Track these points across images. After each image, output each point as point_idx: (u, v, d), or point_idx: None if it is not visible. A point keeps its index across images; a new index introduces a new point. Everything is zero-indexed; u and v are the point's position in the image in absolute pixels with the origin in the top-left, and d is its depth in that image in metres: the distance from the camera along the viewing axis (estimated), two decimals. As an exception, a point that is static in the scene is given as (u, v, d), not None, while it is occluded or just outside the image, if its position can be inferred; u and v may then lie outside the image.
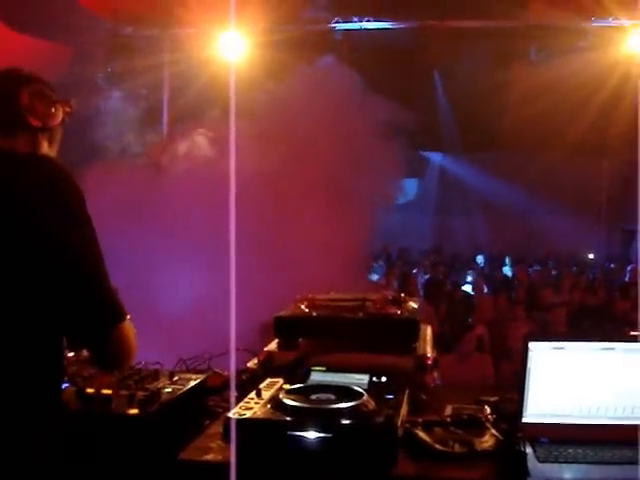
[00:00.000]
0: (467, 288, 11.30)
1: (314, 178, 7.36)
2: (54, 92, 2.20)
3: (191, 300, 6.05)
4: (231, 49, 8.85)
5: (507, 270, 14.83)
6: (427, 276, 12.07)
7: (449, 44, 9.72)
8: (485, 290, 11.05)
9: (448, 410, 2.58)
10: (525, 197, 17.11)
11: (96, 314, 2.00)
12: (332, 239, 7.09)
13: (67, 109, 2.23)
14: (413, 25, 9.24)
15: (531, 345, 2.51)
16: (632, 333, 2.75)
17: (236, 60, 8.83)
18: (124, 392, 2.41)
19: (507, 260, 15.72)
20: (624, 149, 11.11)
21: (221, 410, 2.59)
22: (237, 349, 2.74)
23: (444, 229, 18.51)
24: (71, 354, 2.66)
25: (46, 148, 2.17)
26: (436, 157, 19.22)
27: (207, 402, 2.70)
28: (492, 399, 2.83)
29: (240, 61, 8.86)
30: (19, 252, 1.91)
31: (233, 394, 2.40)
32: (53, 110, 2.15)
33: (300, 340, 2.76)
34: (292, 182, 7.22)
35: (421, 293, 9.42)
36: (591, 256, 17.07)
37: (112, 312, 2.02)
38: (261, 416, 2.17)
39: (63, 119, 2.22)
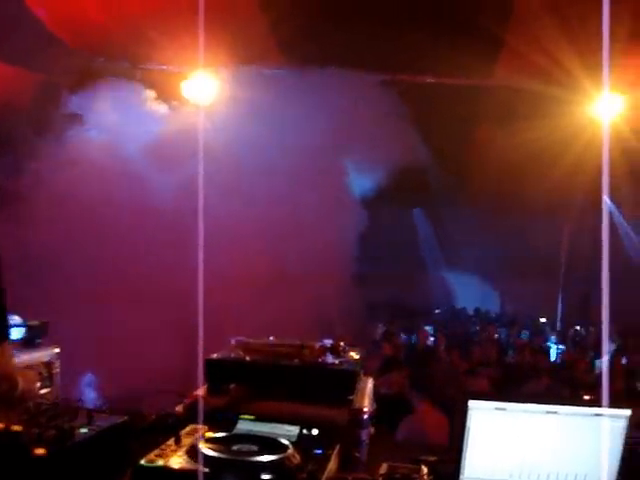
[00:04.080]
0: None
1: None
2: None
3: (127, 336, 5.87)
4: (200, 89, 8.81)
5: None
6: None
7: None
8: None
9: (383, 468, 2.44)
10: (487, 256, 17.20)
11: None
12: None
13: None
14: (384, 78, 9.25)
15: (471, 404, 2.39)
16: (586, 397, 2.66)
17: (205, 100, 8.79)
18: (35, 429, 2.24)
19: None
20: (586, 213, 11.22)
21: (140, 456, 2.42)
22: (166, 391, 2.59)
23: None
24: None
25: None
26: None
27: (128, 446, 2.53)
28: (431, 459, 2.70)
29: (209, 101, 8.82)
30: None
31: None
32: None
33: (231, 386, 2.60)
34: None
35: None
36: (543, 320, 17.12)
37: None
38: (173, 465, 2.01)
39: None
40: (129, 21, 7.39)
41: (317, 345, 2.68)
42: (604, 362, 8.51)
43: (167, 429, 2.57)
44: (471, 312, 17.38)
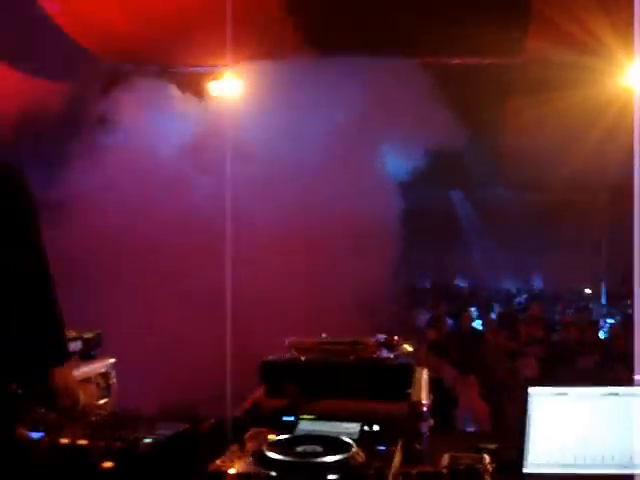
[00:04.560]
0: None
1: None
2: None
3: (176, 342, 5.91)
4: (230, 86, 8.86)
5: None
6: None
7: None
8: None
9: (445, 460, 2.43)
10: (527, 234, 17.02)
11: (40, 351, 1.85)
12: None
13: None
14: (418, 61, 9.17)
15: (532, 390, 2.38)
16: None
17: (235, 97, 8.84)
18: (101, 442, 2.28)
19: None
20: (623, 183, 11.04)
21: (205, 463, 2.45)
22: (225, 395, 2.61)
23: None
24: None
25: None
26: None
27: (192, 453, 2.56)
28: (491, 447, 2.69)
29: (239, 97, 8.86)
30: None
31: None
32: None
33: (289, 386, 2.62)
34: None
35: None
36: (588, 291, 16.90)
37: (57, 351, 1.88)
38: (242, 470, 2.03)
39: None
40: (154, 26, 7.42)
41: (371, 340, 2.68)
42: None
43: (228, 434, 2.60)
44: (515, 290, 17.24)
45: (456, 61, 9.14)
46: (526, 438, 2.39)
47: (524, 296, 16.41)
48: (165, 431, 2.44)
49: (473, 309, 12.95)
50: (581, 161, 10.77)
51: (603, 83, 8.91)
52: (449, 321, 11.27)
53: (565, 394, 2.37)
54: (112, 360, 3.23)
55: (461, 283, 18.08)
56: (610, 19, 7.12)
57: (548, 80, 9.25)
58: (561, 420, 2.39)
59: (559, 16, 7.48)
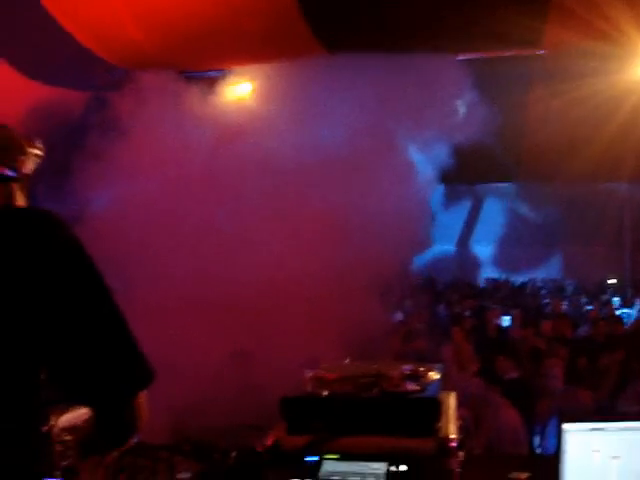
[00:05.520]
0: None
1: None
2: (21, 136, 2.03)
3: (197, 367, 5.80)
4: (247, 89, 8.83)
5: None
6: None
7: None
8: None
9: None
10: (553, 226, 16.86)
11: (124, 373, 1.80)
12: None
13: (37, 152, 2.05)
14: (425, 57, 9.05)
15: (566, 427, 2.26)
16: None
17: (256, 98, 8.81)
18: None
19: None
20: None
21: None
22: (243, 425, 2.53)
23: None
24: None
25: (21, 200, 1.99)
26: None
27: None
28: (523, 476, 2.59)
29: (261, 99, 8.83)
30: (24, 318, 1.73)
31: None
32: (23, 157, 1.99)
33: (311, 424, 2.51)
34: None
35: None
36: (612, 281, 16.67)
37: (142, 372, 1.82)
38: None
39: (34, 164, 2.05)
40: (168, 33, 7.35)
41: (396, 372, 2.57)
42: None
43: (250, 468, 2.51)
44: (539, 283, 17.06)
45: (476, 54, 9.00)
46: (560, 474, 2.28)
47: (546, 290, 16.21)
48: (185, 474, 2.35)
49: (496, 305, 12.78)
50: (603, 150, 10.62)
51: (623, 71, 8.77)
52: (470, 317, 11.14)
53: (601, 429, 2.25)
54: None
55: (484, 277, 17.90)
56: (630, 6, 6.97)
57: (568, 69, 9.11)
58: (597, 455, 2.27)
59: (578, 5, 7.33)
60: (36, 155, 2.05)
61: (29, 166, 2.02)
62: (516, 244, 17.52)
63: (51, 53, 7.54)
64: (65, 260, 1.79)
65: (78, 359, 1.77)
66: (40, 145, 2.07)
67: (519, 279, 17.28)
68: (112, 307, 1.82)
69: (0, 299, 1.73)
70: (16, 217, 1.86)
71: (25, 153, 2.00)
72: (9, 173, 1.93)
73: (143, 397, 1.85)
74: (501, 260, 18.06)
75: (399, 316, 11.10)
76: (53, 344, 1.77)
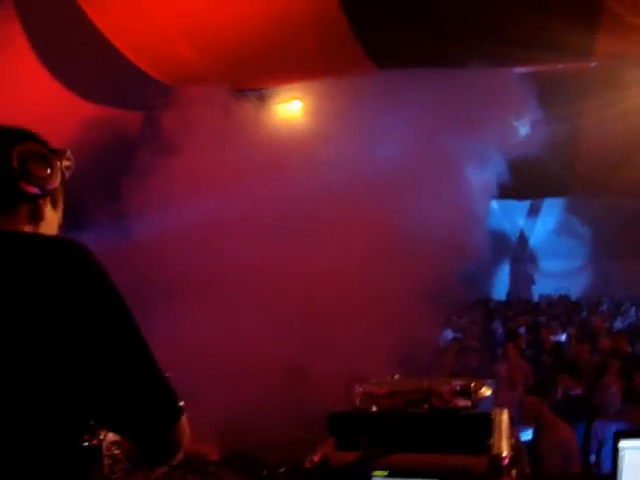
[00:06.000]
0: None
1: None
2: (48, 147, 1.90)
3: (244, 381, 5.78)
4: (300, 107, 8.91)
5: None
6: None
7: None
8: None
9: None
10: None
11: (158, 408, 1.78)
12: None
13: (65, 163, 1.94)
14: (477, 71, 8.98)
15: (623, 444, 2.19)
16: None
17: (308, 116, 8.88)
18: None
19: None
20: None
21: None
22: (294, 440, 2.50)
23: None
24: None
25: (51, 214, 1.92)
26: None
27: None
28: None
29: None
30: (50, 352, 1.67)
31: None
32: (49, 171, 1.85)
33: (360, 439, 2.47)
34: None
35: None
36: None
37: (174, 405, 1.81)
38: None
39: (63, 177, 1.93)
40: (221, 53, 7.45)
41: (446, 388, 2.52)
42: None
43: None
44: (595, 299, 16.72)
45: (530, 67, 8.91)
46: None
47: (603, 306, 15.89)
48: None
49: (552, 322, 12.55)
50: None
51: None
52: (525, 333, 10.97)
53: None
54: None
55: (538, 293, 17.66)
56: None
57: (620, 79, 8.97)
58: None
59: (631, 14, 7.20)
60: (65, 167, 1.94)
61: (56, 179, 1.89)
62: (571, 259, 17.22)
63: (103, 72, 7.67)
64: (93, 296, 1.72)
65: (114, 400, 1.74)
66: (69, 155, 1.96)
67: (574, 295, 16.98)
68: (141, 342, 1.76)
69: (27, 329, 1.66)
70: (39, 248, 1.74)
71: (51, 165, 1.87)
72: (32, 190, 1.82)
73: (184, 420, 1.83)
74: (556, 275, 17.76)
75: (453, 333, 10.99)
76: (88, 386, 1.71)
